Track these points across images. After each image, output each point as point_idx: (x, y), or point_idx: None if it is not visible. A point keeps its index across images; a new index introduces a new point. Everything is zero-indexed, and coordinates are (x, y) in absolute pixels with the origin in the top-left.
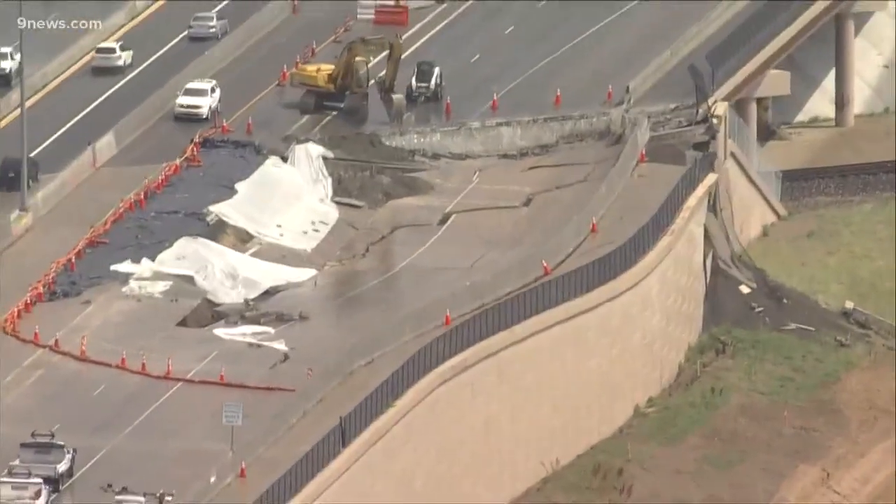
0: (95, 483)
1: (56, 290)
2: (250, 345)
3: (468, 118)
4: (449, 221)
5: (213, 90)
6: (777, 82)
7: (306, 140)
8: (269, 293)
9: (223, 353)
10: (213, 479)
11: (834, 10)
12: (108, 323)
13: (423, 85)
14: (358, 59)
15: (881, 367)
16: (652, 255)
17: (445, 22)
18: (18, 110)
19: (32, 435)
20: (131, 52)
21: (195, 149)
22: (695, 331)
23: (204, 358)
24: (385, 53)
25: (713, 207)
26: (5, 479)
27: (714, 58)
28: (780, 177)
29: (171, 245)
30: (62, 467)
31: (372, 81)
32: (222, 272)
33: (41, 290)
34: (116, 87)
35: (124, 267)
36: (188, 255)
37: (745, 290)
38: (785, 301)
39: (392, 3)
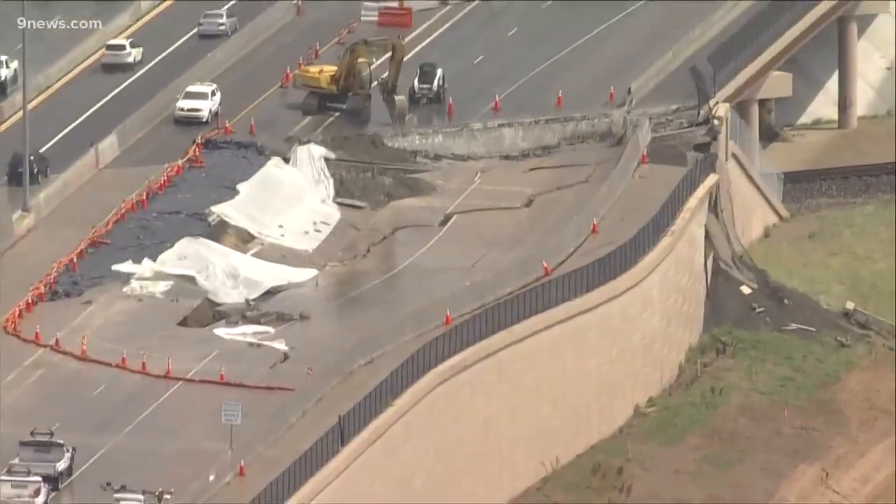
0: (95, 481)
1: (57, 290)
2: (250, 344)
3: (470, 119)
4: (450, 222)
5: (213, 93)
6: (779, 84)
7: (308, 141)
8: (270, 293)
9: (223, 352)
10: (211, 478)
11: (837, 13)
12: (109, 323)
13: (426, 86)
14: (360, 60)
15: (881, 367)
16: (652, 255)
17: (449, 24)
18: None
19: (32, 433)
20: (141, 49)
21: (198, 150)
22: (696, 331)
23: (204, 357)
24: (387, 55)
25: (714, 208)
26: (5, 478)
27: (715, 59)
28: (781, 178)
29: (172, 245)
30: (61, 466)
31: (374, 83)
32: (223, 272)
33: (42, 289)
34: (125, 84)
35: (126, 267)
36: (189, 256)
37: (746, 290)
38: (786, 302)
39: (396, 5)
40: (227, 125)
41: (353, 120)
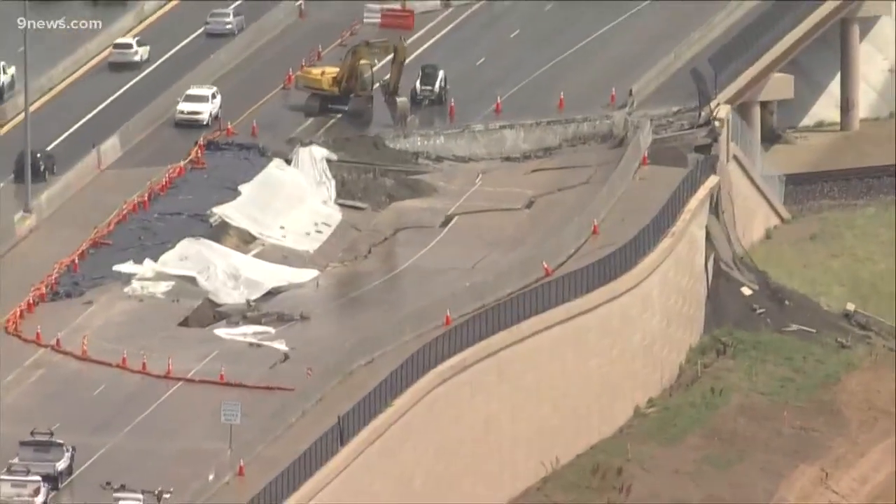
0: (94, 481)
1: (58, 291)
2: (251, 345)
3: (472, 121)
4: (451, 223)
5: (213, 96)
6: (780, 86)
7: (310, 142)
8: (270, 294)
9: (224, 352)
10: (211, 478)
11: (839, 15)
12: (110, 323)
13: (428, 88)
14: (362, 62)
15: (881, 368)
16: (652, 256)
17: (451, 25)
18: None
19: (32, 433)
20: (148, 48)
21: (200, 151)
22: (696, 332)
23: (204, 357)
24: (389, 57)
25: (715, 210)
26: (4, 477)
27: (716, 61)
28: (783, 180)
29: (173, 246)
30: (61, 465)
31: (376, 85)
32: (224, 273)
33: (44, 290)
34: (130, 84)
35: (127, 267)
36: (191, 256)
37: (746, 291)
38: (786, 303)
39: (398, 7)
40: (230, 127)
41: (355, 121)
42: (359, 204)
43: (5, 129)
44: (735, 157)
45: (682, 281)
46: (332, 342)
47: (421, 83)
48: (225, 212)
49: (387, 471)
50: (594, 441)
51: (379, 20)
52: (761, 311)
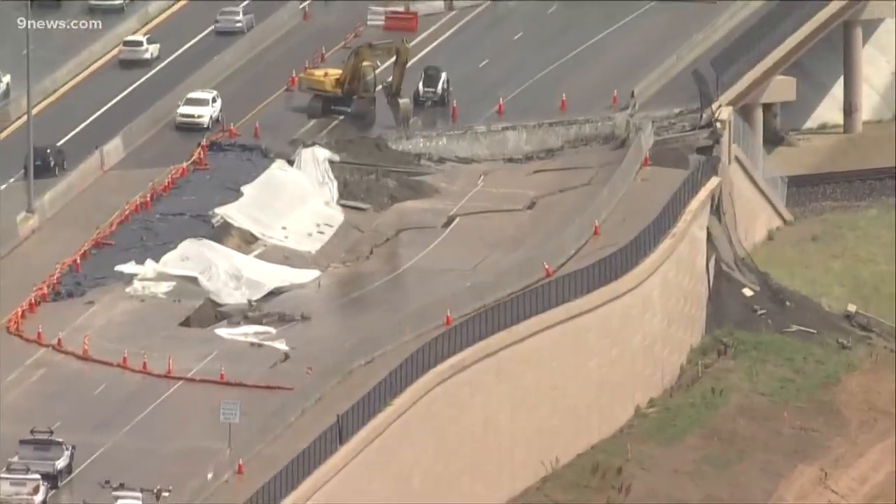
0: (94, 479)
1: (60, 291)
2: (252, 344)
3: (474, 122)
4: (453, 224)
5: (214, 100)
6: (783, 88)
7: (313, 143)
8: (272, 294)
9: (224, 352)
10: (210, 476)
11: (842, 17)
12: (112, 323)
13: (430, 90)
14: (365, 63)
15: (882, 369)
16: (653, 257)
17: (455, 28)
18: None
19: (31, 432)
20: (158, 45)
21: (202, 152)
22: (697, 333)
23: (205, 357)
24: (392, 59)
25: (717, 211)
26: (4, 476)
27: (718, 63)
28: (785, 182)
29: (175, 246)
30: (61, 464)
31: (379, 86)
32: (226, 273)
33: (45, 290)
34: (138, 83)
35: (129, 268)
36: (192, 257)
37: (747, 292)
38: (787, 304)
39: (402, 9)
40: (232, 128)
41: (358, 123)
42: (361, 205)
43: (9, 130)
44: (737, 159)
45: (682, 282)
46: (333, 342)
47: (423, 85)
48: (227, 212)
49: (386, 470)
50: (594, 441)
51: (382, 22)
52: (762, 311)
